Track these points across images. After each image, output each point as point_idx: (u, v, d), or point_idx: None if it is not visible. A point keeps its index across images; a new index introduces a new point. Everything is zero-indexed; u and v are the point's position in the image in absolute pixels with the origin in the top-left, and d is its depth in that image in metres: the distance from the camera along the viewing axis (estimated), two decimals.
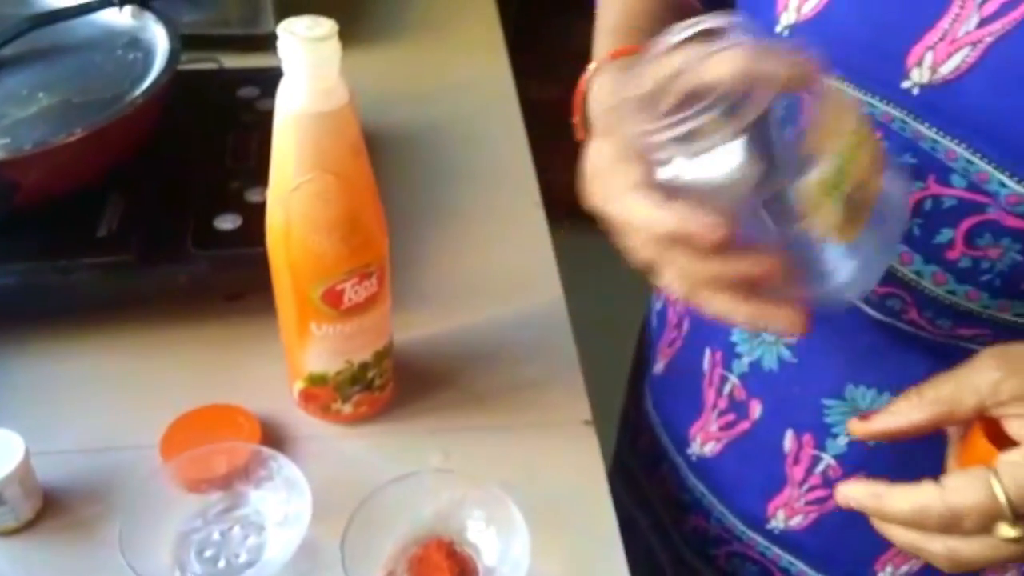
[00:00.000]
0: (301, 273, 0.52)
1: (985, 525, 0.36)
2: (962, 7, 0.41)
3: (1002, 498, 0.36)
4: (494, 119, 0.89)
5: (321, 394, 0.57)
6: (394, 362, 0.60)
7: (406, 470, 0.53)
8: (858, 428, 0.42)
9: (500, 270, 0.72)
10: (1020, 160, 0.41)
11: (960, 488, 0.37)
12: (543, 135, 0.90)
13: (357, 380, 0.57)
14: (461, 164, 0.82)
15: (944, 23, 0.42)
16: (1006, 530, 0.36)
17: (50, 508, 0.53)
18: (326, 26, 0.46)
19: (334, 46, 0.46)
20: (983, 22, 0.41)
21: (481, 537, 0.52)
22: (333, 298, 0.52)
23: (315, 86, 0.46)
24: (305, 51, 0.45)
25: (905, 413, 0.40)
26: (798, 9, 0.46)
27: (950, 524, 0.37)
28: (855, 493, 0.40)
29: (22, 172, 0.56)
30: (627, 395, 0.79)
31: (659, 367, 0.69)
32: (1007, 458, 0.37)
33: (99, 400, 0.59)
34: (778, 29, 0.47)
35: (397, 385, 0.61)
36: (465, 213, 0.77)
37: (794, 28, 0.47)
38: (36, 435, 0.52)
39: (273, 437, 0.57)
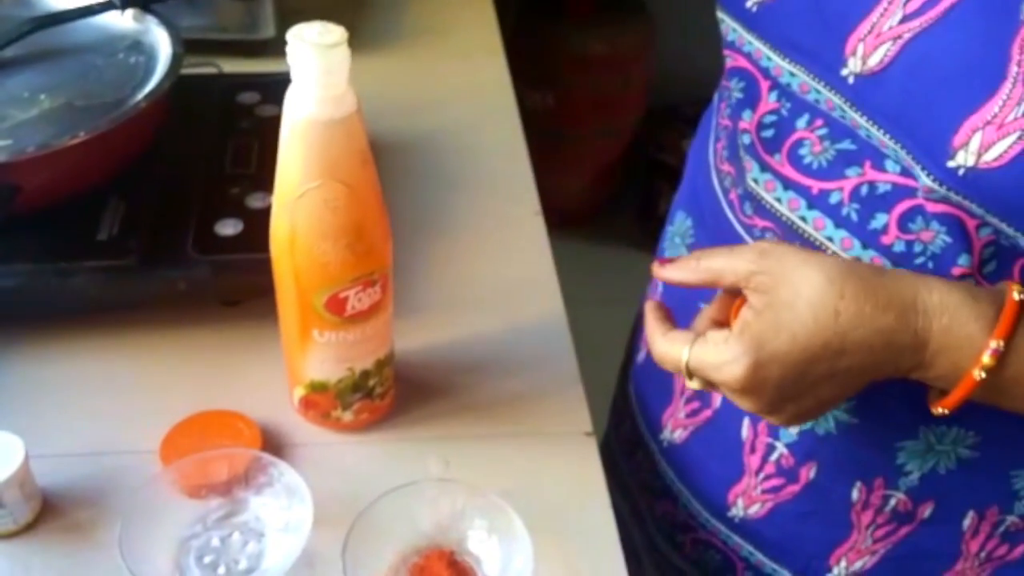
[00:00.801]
0: (305, 280, 0.52)
1: (678, 370, 0.48)
2: (890, 2, 0.43)
3: (684, 358, 0.46)
4: (493, 127, 0.89)
5: (322, 401, 0.57)
6: (394, 370, 0.60)
7: (407, 478, 0.53)
8: (656, 269, 0.50)
9: (500, 279, 0.72)
10: (928, 154, 0.43)
11: (672, 339, 0.48)
12: (537, 142, 0.90)
13: (358, 388, 0.57)
14: (461, 172, 0.83)
15: (874, 16, 0.44)
16: (689, 382, 0.48)
17: (49, 511, 0.53)
18: (336, 33, 0.46)
19: (344, 53, 0.46)
20: (905, 18, 0.43)
21: (483, 547, 0.52)
22: (337, 305, 0.52)
23: (324, 93, 0.47)
24: (315, 58, 0.45)
25: (685, 272, 0.48)
26: None
27: (658, 360, 0.49)
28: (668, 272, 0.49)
29: (24, 175, 0.56)
30: (617, 384, 0.80)
31: (641, 355, 0.70)
32: (710, 334, 0.46)
33: (99, 403, 0.59)
34: (747, 4, 0.51)
35: (397, 393, 0.61)
36: (465, 221, 0.77)
37: (760, 5, 0.50)
38: (35, 438, 0.52)
39: (273, 443, 0.57)
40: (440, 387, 0.63)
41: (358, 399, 0.58)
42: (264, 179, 0.68)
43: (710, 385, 0.47)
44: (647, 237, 2.06)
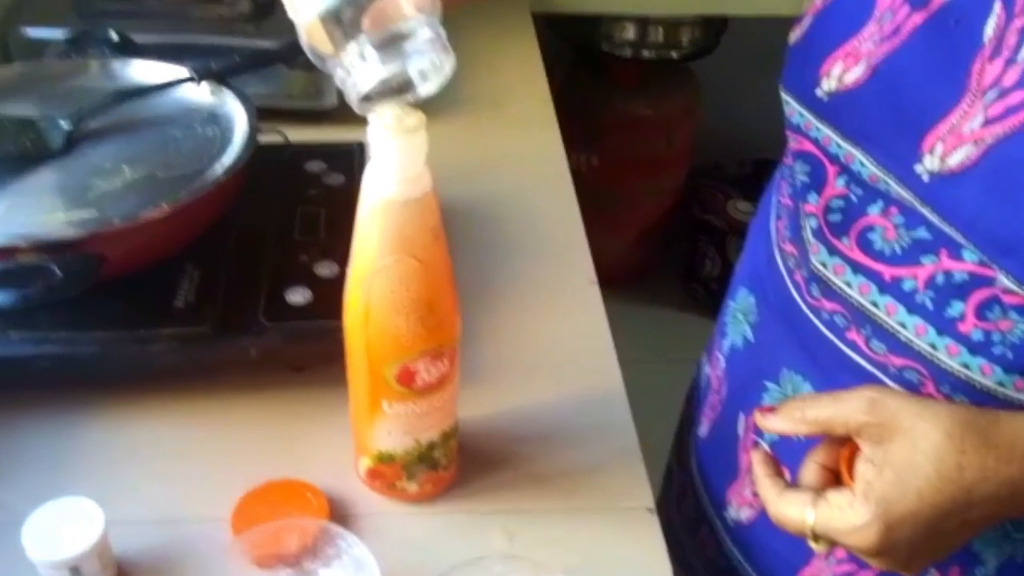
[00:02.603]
0: (377, 352, 0.53)
1: (802, 534, 0.46)
2: (971, 105, 0.43)
3: (809, 522, 0.45)
4: (548, 195, 0.90)
5: (388, 472, 0.58)
6: (458, 441, 0.60)
7: (471, 551, 0.53)
8: (759, 419, 0.50)
9: (557, 349, 0.72)
10: (1007, 256, 0.43)
11: (789, 501, 0.47)
12: (581, 202, 0.91)
13: (424, 459, 0.58)
14: (517, 239, 0.84)
15: (954, 117, 0.44)
16: (814, 544, 0.47)
17: None
18: (415, 117, 0.47)
19: (422, 137, 0.48)
20: (987, 122, 0.43)
21: None
22: (407, 377, 0.53)
23: (402, 174, 0.48)
24: (394, 141, 0.47)
25: (790, 423, 0.48)
26: (839, 78, 0.49)
27: (777, 522, 0.48)
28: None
29: (109, 246, 0.58)
30: (672, 452, 0.79)
31: (703, 429, 0.70)
32: (832, 496, 0.45)
33: (171, 469, 0.60)
34: (818, 93, 0.51)
35: (459, 462, 0.61)
36: (522, 288, 0.78)
37: (832, 95, 0.50)
38: (109, 503, 0.53)
39: (339, 513, 0.58)
40: (501, 457, 0.63)
41: (423, 470, 0.58)
42: (331, 247, 0.70)
43: (835, 544, 0.46)
44: (691, 297, 2.08)
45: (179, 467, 0.61)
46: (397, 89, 0.46)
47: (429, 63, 0.45)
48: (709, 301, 2.02)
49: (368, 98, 0.46)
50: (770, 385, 0.60)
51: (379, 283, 0.51)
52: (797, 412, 0.47)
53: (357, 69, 0.45)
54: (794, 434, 0.48)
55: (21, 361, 0.61)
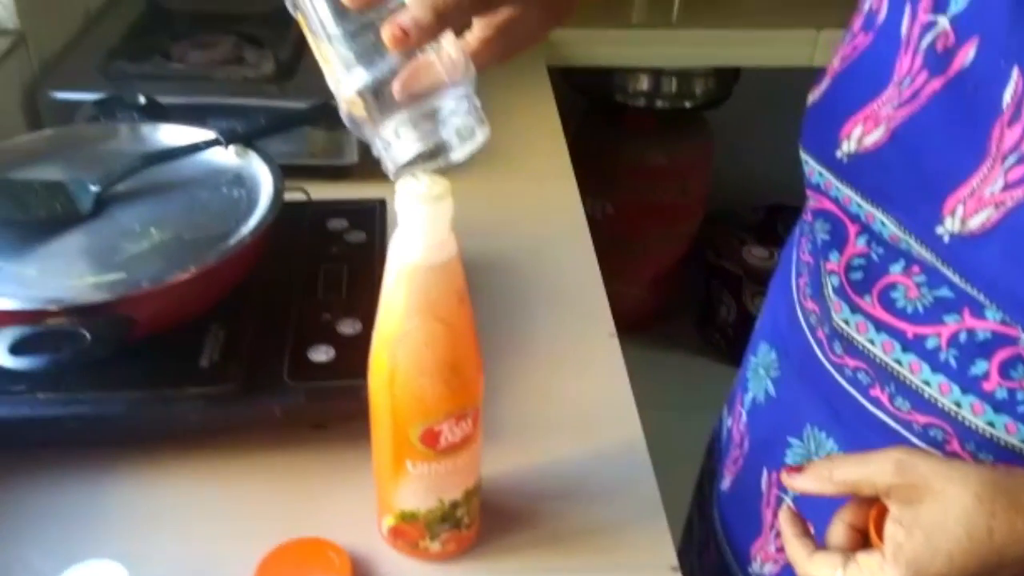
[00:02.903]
0: (402, 413, 0.53)
1: None
2: (991, 169, 0.44)
3: None
4: (565, 247, 0.91)
5: (411, 531, 0.58)
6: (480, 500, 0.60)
7: None
8: (786, 478, 0.50)
9: (577, 403, 0.73)
10: None
11: (819, 563, 0.47)
12: (596, 249, 0.92)
13: (447, 518, 0.58)
14: (534, 292, 0.85)
15: (974, 181, 0.45)
16: None
17: None
18: (441, 185, 0.49)
19: (448, 204, 0.49)
20: (1007, 186, 0.43)
21: None
22: (431, 438, 0.54)
23: (429, 241, 0.49)
24: (421, 209, 0.48)
25: (818, 485, 0.48)
26: (859, 141, 0.50)
27: None
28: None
29: (138, 308, 0.59)
30: (692, 504, 0.79)
31: (725, 483, 0.70)
32: (861, 558, 0.45)
33: (193, 529, 0.61)
34: (838, 155, 0.51)
35: (482, 522, 0.61)
36: (541, 342, 0.79)
37: (852, 157, 0.50)
38: (134, 564, 0.53)
39: (362, 572, 0.58)
40: (523, 515, 0.63)
41: (446, 529, 0.58)
42: (353, 305, 0.71)
43: None
44: (707, 342, 2.07)
45: (202, 526, 0.61)
46: (429, 154, 0.47)
47: (463, 131, 0.46)
48: (725, 346, 2.02)
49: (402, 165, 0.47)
50: (793, 441, 0.60)
51: (405, 345, 0.51)
52: (825, 472, 0.47)
53: (394, 144, 0.46)
54: (821, 494, 0.48)
55: (49, 422, 0.62)
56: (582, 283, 0.86)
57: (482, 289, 0.84)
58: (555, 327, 0.80)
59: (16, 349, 0.56)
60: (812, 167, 0.55)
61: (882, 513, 0.47)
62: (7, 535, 0.60)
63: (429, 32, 0.42)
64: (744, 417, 0.68)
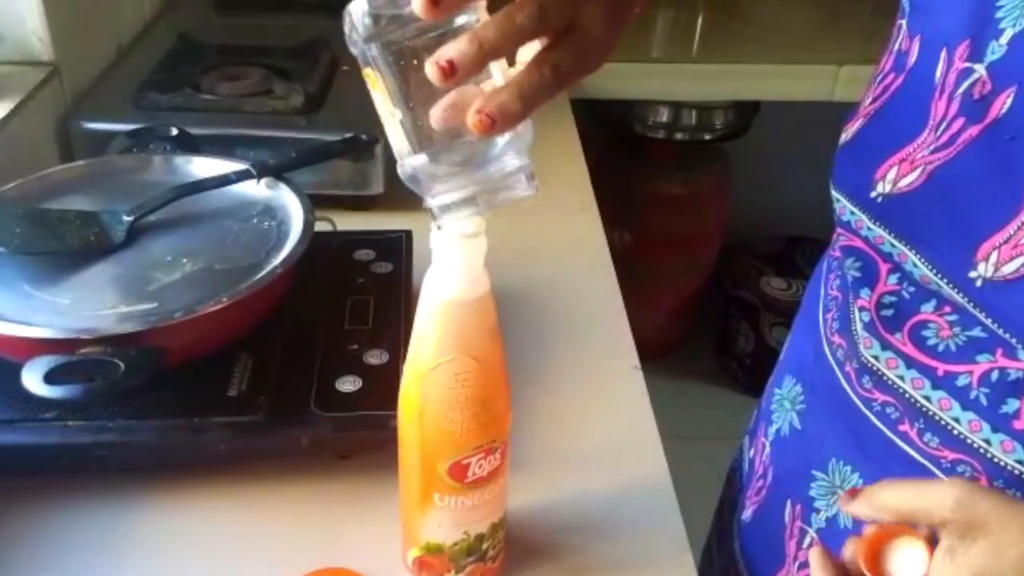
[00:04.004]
0: (431, 447, 0.53)
1: None
2: None
3: None
4: (589, 279, 0.92)
5: (436, 563, 0.58)
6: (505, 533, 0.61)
7: None
8: (843, 502, 0.49)
9: (601, 435, 0.73)
10: None
11: None
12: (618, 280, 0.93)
13: (472, 551, 0.58)
14: (558, 324, 0.85)
15: (1010, 228, 0.45)
16: None
17: None
18: (477, 222, 0.49)
19: (482, 242, 0.49)
20: None
21: None
22: (459, 472, 0.54)
23: (463, 277, 0.49)
24: (457, 246, 0.49)
25: (872, 511, 0.48)
26: (894, 182, 0.50)
27: None
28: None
29: (170, 338, 0.60)
30: (711, 533, 0.78)
31: (747, 513, 0.70)
32: None
33: (219, 557, 0.61)
34: (872, 195, 0.51)
35: (507, 556, 0.61)
36: (566, 375, 0.79)
37: (887, 198, 0.51)
38: None
39: None
40: (547, 549, 0.63)
41: (471, 562, 0.58)
42: (380, 336, 0.71)
43: None
44: (724, 371, 2.07)
45: (228, 554, 0.61)
46: (475, 202, 0.47)
47: (508, 187, 0.47)
48: (742, 376, 2.01)
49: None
50: (818, 474, 0.60)
51: (436, 380, 0.52)
52: (880, 499, 0.47)
53: (444, 212, 0.47)
54: (874, 519, 0.48)
55: (78, 449, 0.62)
56: (606, 315, 0.86)
57: (506, 321, 0.84)
58: (579, 359, 0.81)
59: (51, 378, 0.56)
60: (844, 205, 0.55)
61: (875, 546, 0.47)
62: (35, 561, 0.60)
63: (475, 63, 0.41)
64: (767, 448, 0.68)
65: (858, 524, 0.55)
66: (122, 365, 0.57)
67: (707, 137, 1.82)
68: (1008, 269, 0.45)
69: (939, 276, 0.48)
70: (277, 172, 0.75)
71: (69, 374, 0.57)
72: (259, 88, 1.00)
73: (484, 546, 0.58)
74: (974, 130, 0.46)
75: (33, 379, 0.56)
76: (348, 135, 0.86)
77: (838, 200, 0.55)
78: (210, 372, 0.65)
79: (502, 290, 0.87)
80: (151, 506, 0.64)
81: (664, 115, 1.79)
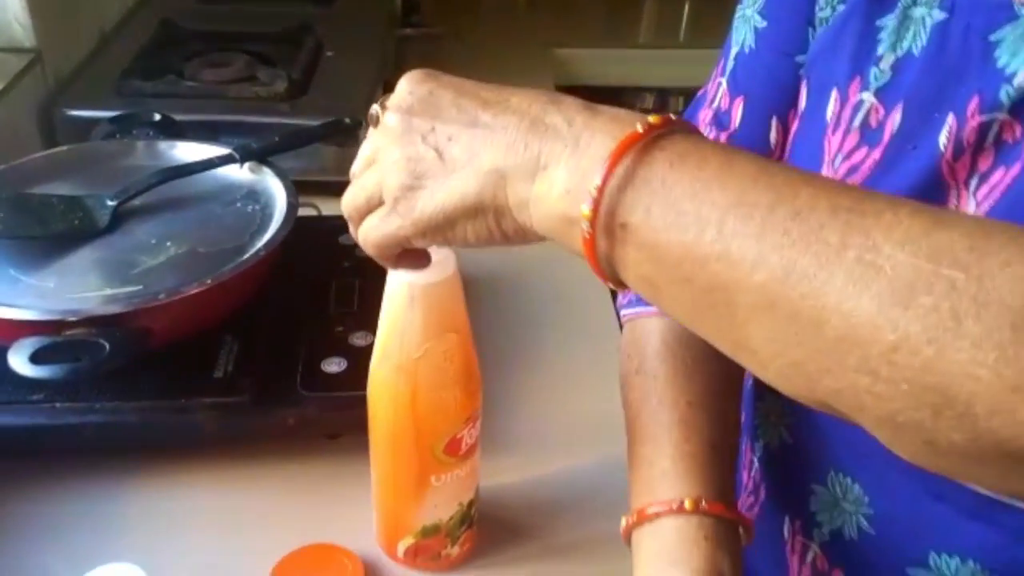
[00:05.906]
0: (427, 431, 0.53)
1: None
2: (958, 197, 0.45)
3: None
4: (575, 263, 0.91)
5: (434, 544, 0.59)
6: (480, 510, 0.61)
7: None
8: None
9: (583, 418, 0.73)
10: None
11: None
12: None
13: (464, 519, 0.59)
14: (544, 309, 0.86)
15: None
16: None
17: None
18: None
19: None
20: (979, 204, 0.44)
21: None
22: (454, 447, 0.54)
23: (435, 258, 0.49)
24: None
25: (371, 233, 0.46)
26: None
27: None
28: None
29: (155, 319, 0.60)
30: None
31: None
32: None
33: (209, 535, 0.62)
34: None
35: (488, 531, 0.62)
36: (548, 360, 0.79)
37: None
38: (150, 569, 0.54)
39: None
40: (523, 529, 0.64)
41: (464, 530, 0.59)
42: (366, 318, 0.72)
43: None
44: None
45: (218, 532, 0.62)
46: None
47: None
48: None
49: None
50: (817, 488, 0.60)
51: (426, 365, 0.51)
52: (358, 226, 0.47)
53: None
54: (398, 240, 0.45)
55: (67, 430, 0.63)
56: (590, 295, 0.87)
57: (491, 301, 0.86)
58: (564, 341, 0.81)
59: (37, 359, 0.57)
60: None
61: None
62: (27, 541, 0.61)
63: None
64: (756, 464, 0.67)
65: (864, 533, 0.56)
66: (107, 346, 0.58)
67: None
68: None
69: None
70: (260, 156, 0.76)
71: (55, 355, 0.58)
72: (242, 74, 1.00)
73: (472, 511, 0.59)
74: (877, 153, 0.48)
75: (19, 360, 0.56)
76: (330, 119, 0.86)
77: None
78: (196, 354, 0.66)
79: (487, 271, 0.89)
80: (143, 486, 0.65)
81: (650, 102, 1.79)
